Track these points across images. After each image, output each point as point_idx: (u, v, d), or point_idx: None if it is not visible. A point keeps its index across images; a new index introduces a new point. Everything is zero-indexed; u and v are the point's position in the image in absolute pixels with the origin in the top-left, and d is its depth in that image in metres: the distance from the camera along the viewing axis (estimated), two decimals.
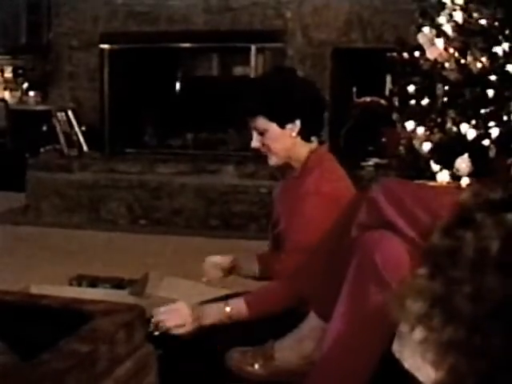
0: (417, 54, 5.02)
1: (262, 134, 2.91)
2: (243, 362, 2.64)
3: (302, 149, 2.93)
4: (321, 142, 3.02)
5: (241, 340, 2.71)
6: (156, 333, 2.68)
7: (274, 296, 2.76)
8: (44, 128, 7.03)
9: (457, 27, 4.84)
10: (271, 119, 2.87)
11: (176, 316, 2.74)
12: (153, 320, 2.70)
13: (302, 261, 2.70)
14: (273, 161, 2.96)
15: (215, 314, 2.77)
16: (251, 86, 3.20)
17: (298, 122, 2.88)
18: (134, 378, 1.99)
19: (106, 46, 7.02)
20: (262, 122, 2.89)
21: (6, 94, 8.56)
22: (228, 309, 2.76)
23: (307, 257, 2.69)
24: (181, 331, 2.71)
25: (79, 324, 1.92)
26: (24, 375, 1.71)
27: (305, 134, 2.92)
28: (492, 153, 4.53)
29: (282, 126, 2.88)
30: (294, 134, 2.89)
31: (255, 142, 2.95)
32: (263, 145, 2.93)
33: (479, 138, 4.58)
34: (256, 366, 2.62)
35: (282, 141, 2.90)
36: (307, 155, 2.93)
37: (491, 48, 4.72)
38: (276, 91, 2.89)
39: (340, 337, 2.23)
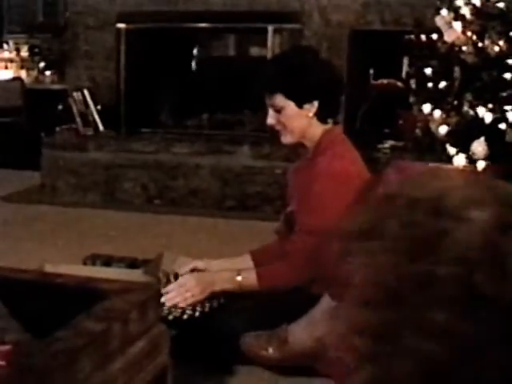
0: (434, 36, 4.99)
1: (278, 111, 2.91)
2: (257, 346, 2.66)
3: (317, 129, 2.92)
4: (335, 123, 3.01)
5: (254, 324, 2.72)
6: (170, 317, 2.70)
7: (284, 274, 2.79)
8: (60, 107, 7.03)
9: (475, 10, 4.81)
10: (289, 97, 2.87)
11: (182, 290, 2.78)
12: (166, 304, 2.73)
13: (315, 243, 2.70)
14: (286, 139, 2.96)
15: (226, 281, 2.81)
16: (273, 63, 3.19)
17: (315, 103, 2.88)
18: (147, 357, 2.00)
19: (122, 26, 7.00)
20: (279, 100, 2.89)
21: (23, 73, 8.57)
22: (239, 278, 2.79)
23: (321, 239, 2.69)
24: (190, 301, 2.75)
25: (93, 303, 1.93)
26: (38, 352, 1.72)
27: (321, 116, 2.91)
28: (509, 136, 4.51)
29: (299, 105, 2.88)
30: (310, 115, 2.89)
31: (270, 119, 2.95)
32: (278, 122, 2.93)
33: (496, 121, 4.55)
34: (270, 350, 2.63)
35: (298, 120, 2.90)
36: (321, 135, 2.93)
37: (509, 31, 4.69)
38: (297, 70, 2.89)
39: None
